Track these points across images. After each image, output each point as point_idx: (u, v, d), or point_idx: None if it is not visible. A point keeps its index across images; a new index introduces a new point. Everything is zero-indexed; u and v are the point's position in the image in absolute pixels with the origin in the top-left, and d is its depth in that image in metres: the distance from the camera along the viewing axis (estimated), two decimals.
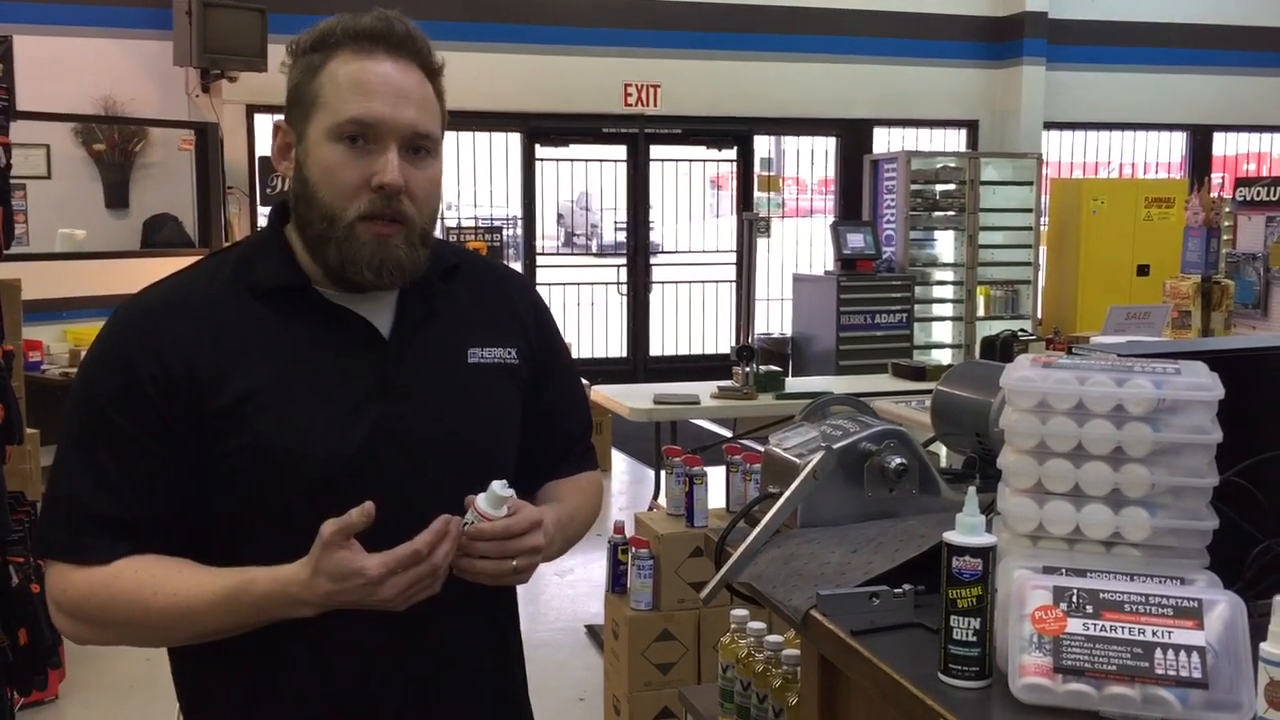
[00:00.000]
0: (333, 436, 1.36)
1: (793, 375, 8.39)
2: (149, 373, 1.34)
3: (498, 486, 1.34)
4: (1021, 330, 6.70)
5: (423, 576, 1.28)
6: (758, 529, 1.51)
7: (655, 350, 10.63)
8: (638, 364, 10.43)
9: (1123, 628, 1.09)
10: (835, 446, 1.56)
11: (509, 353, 1.52)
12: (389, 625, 1.36)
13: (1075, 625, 1.10)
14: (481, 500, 1.34)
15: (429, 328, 1.46)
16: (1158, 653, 1.07)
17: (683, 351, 10.72)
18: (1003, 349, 5.25)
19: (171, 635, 1.37)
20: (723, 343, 10.49)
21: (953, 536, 1.17)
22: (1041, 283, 10.02)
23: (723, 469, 3.50)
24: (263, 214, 8.95)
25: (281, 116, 1.43)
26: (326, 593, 1.27)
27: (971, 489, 1.19)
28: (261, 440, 1.34)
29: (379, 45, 1.37)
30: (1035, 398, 1.22)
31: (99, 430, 1.35)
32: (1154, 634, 1.08)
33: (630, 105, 9.92)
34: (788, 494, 1.52)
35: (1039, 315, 9.89)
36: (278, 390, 1.36)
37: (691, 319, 10.80)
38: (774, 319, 10.75)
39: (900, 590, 1.33)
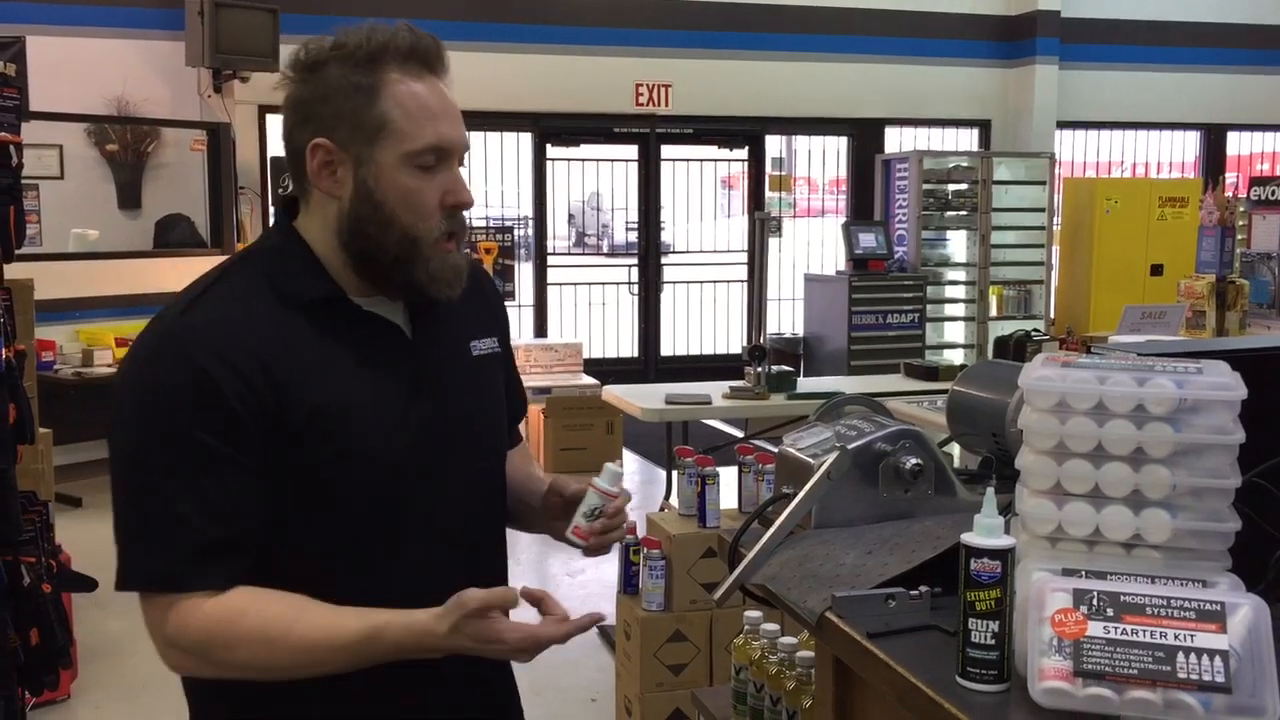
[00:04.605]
0: (393, 439, 1.43)
1: (804, 375, 8.37)
2: (233, 388, 1.34)
3: (614, 466, 1.54)
4: (1034, 330, 6.67)
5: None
6: (772, 530, 1.50)
7: (666, 350, 10.62)
8: (649, 364, 10.42)
9: (1144, 631, 1.07)
10: (850, 447, 1.54)
11: (494, 342, 1.61)
12: None
13: (1096, 628, 1.08)
14: (603, 481, 1.51)
15: (437, 325, 1.51)
16: (1180, 656, 1.06)
17: (694, 351, 10.71)
18: (1015, 349, 5.23)
19: (288, 672, 1.37)
20: (734, 343, 10.48)
21: (971, 538, 1.15)
22: (1054, 283, 9.98)
23: (734, 469, 3.49)
24: (274, 213, 8.95)
25: (319, 135, 1.40)
26: (463, 648, 1.34)
27: (990, 490, 1.18)
28: (339, 448, 1.39)
29: (425, 66, 1.42)
30: (1054, 397, 1.20)
31: (187, 450, 1.33)
32: (1176, 637, 1.07)
33: (641, 105, 9.92)
34: (802, 494, 1.51)
35: (1052, 315, 9.86)
36: (344, 398, 1.40)
37: (703, 319, 10.78)
38: (785, 319, 10.73)
39: (917, 592, 1.32)
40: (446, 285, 1.45)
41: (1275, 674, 1.04)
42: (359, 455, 1.40)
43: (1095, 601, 1.10)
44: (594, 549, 1.53)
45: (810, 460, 1.59)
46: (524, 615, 1.39)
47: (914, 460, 1.56)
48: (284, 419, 1.36)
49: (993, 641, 1.14)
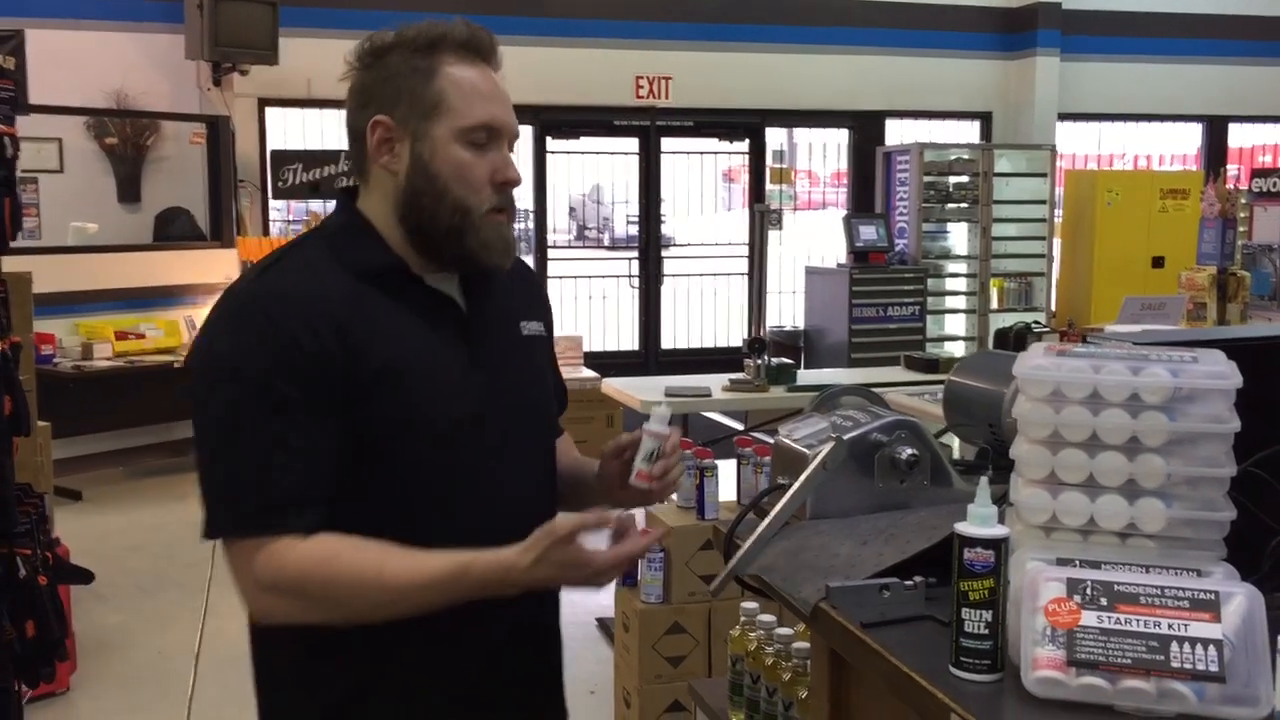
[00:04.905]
0: (453, 403, 1.50)
1: (805, 368, 8.34)
2: (310, 345, 1.41)
3: (661, 408, 1.59)
4: (1035, 323, 6.66)
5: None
6: (767, 520, 1.50)
7: (667, 343, 10.61)
8: (649, 357, 10.41)
9: (1138, 620, 1.07)
10: (845, 437, 1.54)
11: (541, 326, 1.69)
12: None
13: (1089, 618, 1.08)
14: (654, 424, 1.56)
15: (490, 302, 1.59)
16: (1174, 646, 1.05)
17: (694, 344, 10.70)
18: (1016, 341, 5.22)
19: (378, 612, 1.43)
20: (734, 336, 10.46)
21: (964, 528, 1.15)
22: (1055, 275, 9.96)
23: (734, 462, 3.48)
24: (274, 206, 8.98)
25: (380, 113, 1.50)
26: (547, 577, 1.40)
27: (984, 479, 1.17)
28: (402, 409, 1.46)
29: (479, 55, 1.54)
30: (1049, 386, 1.19)
31: (270, 403, 1.40)
32: (1170, 627, 1.06)
33: (641, 98, 9.90)
34: (797, 485, 1.51)
35: (1053, 308, 9.84)
36: (407, 361, 1.47)
37: (703, 312, 10.78)
38: (786, 312, 10.71)
39: (911, 582, 1.32)
40: (498, 254, 1.53)
41: (1269, 663, 1.04)
42: (420, 418, 1.47)
43: (1089, 591, 1.10)
44: (659, 491, 1.59)
45: (806, 451, 1.58)
46: None
47: (910, 451, 1.56)
48: (353, 377, 1.42)
49: (986, 631, 1.13)
